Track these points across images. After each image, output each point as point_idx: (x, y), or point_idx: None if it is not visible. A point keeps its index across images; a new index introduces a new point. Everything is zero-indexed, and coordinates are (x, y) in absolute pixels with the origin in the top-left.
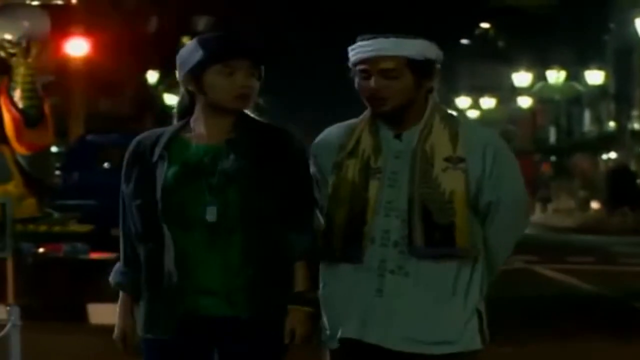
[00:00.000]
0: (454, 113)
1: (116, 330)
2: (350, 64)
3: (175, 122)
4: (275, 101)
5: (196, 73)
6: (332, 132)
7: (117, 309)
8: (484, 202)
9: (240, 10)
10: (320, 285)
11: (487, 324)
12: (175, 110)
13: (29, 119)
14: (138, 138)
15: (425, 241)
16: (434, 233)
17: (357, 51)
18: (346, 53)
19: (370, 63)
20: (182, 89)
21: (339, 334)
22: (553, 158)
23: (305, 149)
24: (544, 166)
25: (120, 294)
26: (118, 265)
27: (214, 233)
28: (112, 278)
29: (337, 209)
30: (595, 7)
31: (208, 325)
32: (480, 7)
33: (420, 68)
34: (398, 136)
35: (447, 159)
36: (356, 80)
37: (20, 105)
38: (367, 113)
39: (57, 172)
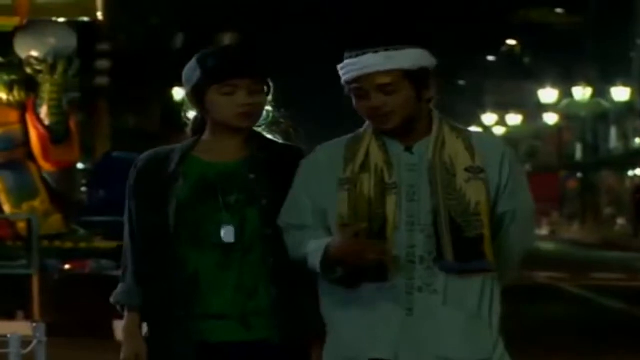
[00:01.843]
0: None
1: (125, 353)
2: (342, 82)
3: (186, 139)
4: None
5: (198, 93)
6: (335, 143)
7: (125, 330)
8: (500, 212)
9: (265, 26)
10: (327, 306)
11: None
12: (189, 128)
13: (55, 135)
14: (146, 155)
15: (455, 256)
16: (463, 247)
17: (347, 69)
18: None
19: (364, 81)
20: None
21: (367, 355)
22: (579, 175)
23: None
24: (570, 183)
25: (128, 313)
26: (126, 285)
27: (228, 253)
28: (121, 298)
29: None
30: (621, 23)
31: (223, 351)
32: (507, 24)
33: (418, 78)
34: (408, 149)
35: (467, 170)
36: (353, 99)
37: (47, 122)
38: (368, 126)
39: (83, 189)
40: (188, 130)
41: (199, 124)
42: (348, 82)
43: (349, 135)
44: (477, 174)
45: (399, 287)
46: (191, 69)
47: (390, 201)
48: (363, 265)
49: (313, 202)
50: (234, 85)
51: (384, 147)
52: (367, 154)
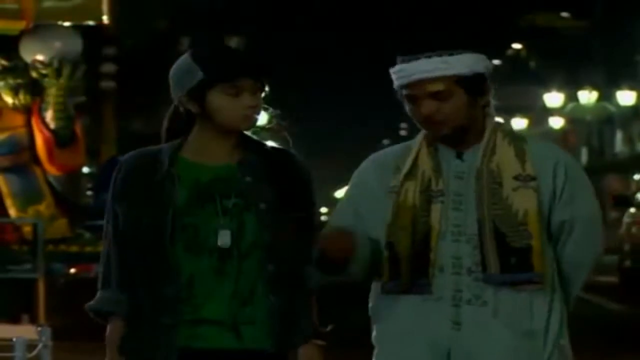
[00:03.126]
0: (516, 130)
1: None
2: (395, 87)
3: (163, 142)
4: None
5: (197, 94)
6: (386, 152)
7: (109, 339)
8: (557, 222)
9: (271, 30)
10: (374, 318)
11: None
12: (164, 128)
13: (61, 139)
14: (130, 156)
15: (501, 267)
16: (509, 258)
17: (399, 75)
18: (385, 72)
19: (416, 87)
20: (174, 108)
21: None
22: None
23: (310, 172)
24: None
25: (113, 322)
26: (107, 293)
27: (225, 259)
28: (102, 306)
29: (400, 237)
30: (627, 27)
31: (211, 358)
32: (512, 28)
33: (471, 84)
34: (459, 156)
35: (516, 178)
36: (405, 105)
37: (52, 125)
38: (423, 132)
39: (89, 193)
40: (163, 130)
41: (181, 128)
42: (400, 88)
43: (403, 144)
44: (526, 182)
45: (445, 299)
46: (187, 69)
47: (435, 209)
48: (332, 259)
49: (358, 210)
50: (240, 86)
51: (435, 154)
52: (415, 161)
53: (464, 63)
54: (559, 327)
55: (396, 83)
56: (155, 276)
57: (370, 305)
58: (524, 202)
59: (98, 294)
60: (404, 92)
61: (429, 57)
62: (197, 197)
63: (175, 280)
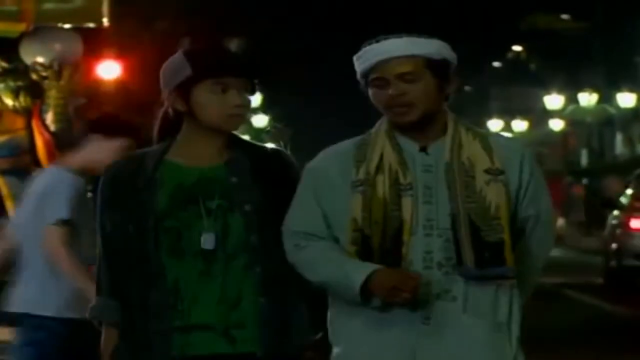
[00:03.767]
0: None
1: None
2: (359, 76)
3: (155, 143)
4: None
5: (184, 90)
6: (343, 145)
7: (103, 347)
8: (523, 216)
9: (272, 32)
10: (335, 315)
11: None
12: (156, 130)
13: (61, 141)
14: (114, 164)
15: (475, 261)
16: (484, 252)
17: (366, 57)
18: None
19: (384, 68)
20: (165, 109)
21: None
22: (585, 181)
23: (299, 171)
24: (576, 189)
25: (106, 329)
26: (102, 300)
27: (210, 262)
28: (98, 314)
29: (372, 231)
30: (627, 30)
31: None
32: (512, 30)
33: (439, 69)
34: (423, 149)
35: (487, 171)
36: (370, 91)
37: (52, 128)
38: (380, 126)
39: (89, 195)
40: (155, 131)
41: (170, 128)
42: (365, 73)
43: (356, 138)
44: (496, 176)
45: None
46: (177, 65)
47: (406, 203)
48: (398, 302)
49: (323, 209)
50: (227, 83)
51: (398, 147)
52: (381, 155)
53: (434, 46)
54: (518, 320)
55: (362, 67)
56: (142, 282)
57: (331, 301)
58: (495, 195)
59: (94, 301)
60: (371, 76)
61: (400, 36)
62: (180, 201)
63: (161, 285)
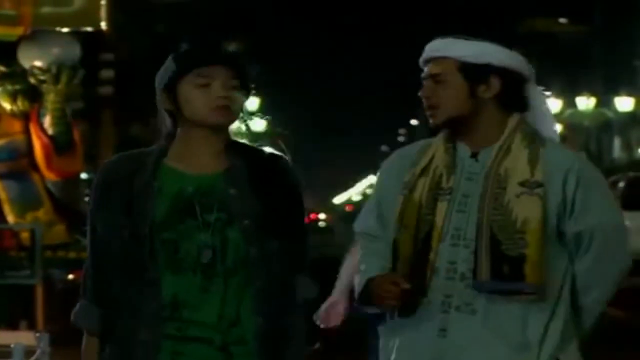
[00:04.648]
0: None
1: None
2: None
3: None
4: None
5: (170, 88)
6: (411, 146)
7: (83, 354)
8: (571, 234)
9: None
10: (380, 330)
11: None
12: (163, 133)
13: (59, 145)
14: (113, 161)
15: (491, 275)
16: (502, 266)
17: (424, 51)
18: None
19: (426, 67)
20: (162, 113)
21: None
22: None
23: (300, 179)
24: None
25: (87, 337)
26: (86, 306)
27: (210, 277)
28: (82, 322)
29: (402, 235)
30: (625, 33)
31: None
32: (511, 33)
33: (474, 72)
34: (474, 155)
35: (522, 184)
36: None
37: (50, 131)
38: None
39: (87, 199)
40: (162, 134)
41: (168, 132)
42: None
43: (428, 139)
44: (532, 189)
45: (435, 304)
46: (165, 66)
47: (441, 207)
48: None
49: (380, 210)
50: (209, 76)
51: (452, 151)
52: (432, 157)
53: (473, 48)
54: (559, 341)
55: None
56: (134, 292)
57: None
58: (525, 209)
59: (77, 305)
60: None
61: (455, 38)
62: (179, 212)
63: (155, 297)
